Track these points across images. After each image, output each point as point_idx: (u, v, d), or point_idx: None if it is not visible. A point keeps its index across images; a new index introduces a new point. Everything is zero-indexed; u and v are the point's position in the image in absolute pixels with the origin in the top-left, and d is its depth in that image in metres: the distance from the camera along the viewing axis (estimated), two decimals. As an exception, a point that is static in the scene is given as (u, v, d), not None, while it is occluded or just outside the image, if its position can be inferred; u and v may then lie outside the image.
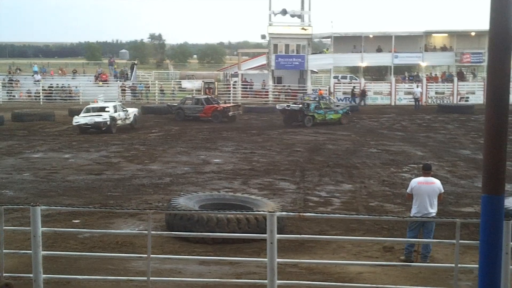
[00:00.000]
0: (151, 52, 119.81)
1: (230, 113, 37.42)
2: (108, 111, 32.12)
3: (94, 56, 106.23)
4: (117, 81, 54.37)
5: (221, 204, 13.65)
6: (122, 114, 33.03)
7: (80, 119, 31.65)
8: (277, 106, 38.78)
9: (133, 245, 11.73)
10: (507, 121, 5.22)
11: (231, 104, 40.29)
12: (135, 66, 60.49)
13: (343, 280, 9.87)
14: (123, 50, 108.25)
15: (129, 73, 56.47)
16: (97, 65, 70.67)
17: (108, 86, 53.37)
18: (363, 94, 49.50)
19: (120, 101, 40.77)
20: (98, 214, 14.38)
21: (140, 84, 55.19)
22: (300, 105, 35.86)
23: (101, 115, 31.67)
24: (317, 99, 38.00)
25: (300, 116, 35.34)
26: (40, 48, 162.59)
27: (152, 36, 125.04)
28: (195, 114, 37.70)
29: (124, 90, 52.57)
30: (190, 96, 42.95)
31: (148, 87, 54.32)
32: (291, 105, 36.67)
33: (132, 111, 34.61)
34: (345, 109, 37.92)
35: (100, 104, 34.15)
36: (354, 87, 50.78)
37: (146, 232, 8.27)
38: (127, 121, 33.51)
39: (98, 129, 31.16)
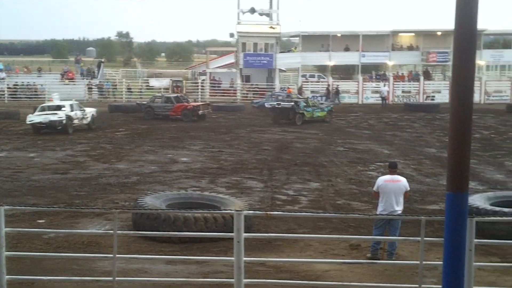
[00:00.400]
0: (119, 50, 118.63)
1: (200, 112, 37.11)
2: (64, 110, 30.63)
3: (60, 54, 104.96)
4: (83, 79, 53.85)
5: (189, 203, 13.59)
6: (79, 113, 31.53)
7: (35, 118, 30.12)
8: (266, 104, 38.71)
9: (99, 245, 11.61)
10: (471, 120, 5.28)
11: (201, 103, 39.94)
12: (102, 64, 59.88)
13: (310, 278, 9.90)
14: (90, 48, 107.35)
15: (96, 71, 55.96)
16: (64, 63, 69.91)
17: (74, 84, 52.78)
18: (337, 92, 49.72)
19: (84, 100, 40.19)
20: (64, 214, 14.19)
21: (107, 82, 54.68)
22: (292, 103, 35.97)
23: (56, 114, 30.12)
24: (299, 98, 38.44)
25: (291, 113, 35.34)
26: (5, 45, 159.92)
27: (120, 34, 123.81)
28: (165, 113, 37.32)
29: (91, 88, 52.03)
30: (159, 94, 42.65)
31: (115, 85, 53.88)
32: (282, 103, 36.66)
33: (90, 111, 32.87)
34: (329, 107, 38.60)
35: (56, 102, 32.05)
36: (328, 85, 50.91)
37: (112, 231, 8.19)
38: (84, 121, 32.03)
39: (53, 129, 29.78)
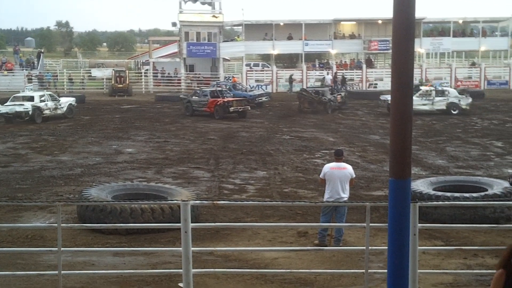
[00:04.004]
0: (59, 40, 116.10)
1: (232, 108, 32.87)
2: (32, 101, 31.51)
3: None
4: (23, 70, 52.48)
5: (135, 194, 13.49)
6: (50, 103, 32.36)
7: (2, 108, 31.22)
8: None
9: (44, 239, 11.41)
10: (411, 107, 5.39)
11: (235, 98, 35.13)
12: (41, 54, 58.51)
13: (258, 266, 9.97)
14: (29, 38, 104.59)
15: (36, 62, 54.62)
16: (1, 54, 67.96)
17: (13, 76, 51.44)
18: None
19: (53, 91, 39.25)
20: (6, 208, 13.87)
21: (48, 73, 53.49)
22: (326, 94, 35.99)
23: (22, 105, 31.06)
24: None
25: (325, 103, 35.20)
26: None
27: (59, 24, 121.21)
28: (201, 108, 33.94)
29: (31, 79, 50.72)
30: (198, 88, 39.31)
31: (56, 76, 52.70)
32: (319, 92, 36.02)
33: (67, 101, 33.91)
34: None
35: (28, 93, 33.53)
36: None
37: (56, 225, 8.05)
38: (59, 111, 32.78)
39: (20, 118, 30.62)
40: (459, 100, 34.10)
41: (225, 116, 32.41)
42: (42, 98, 32.16)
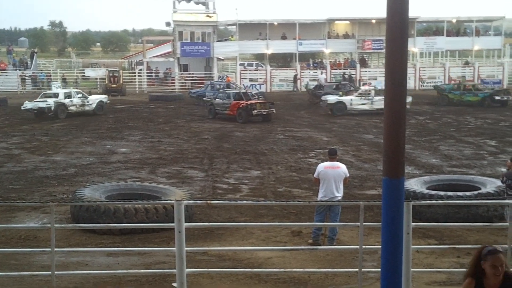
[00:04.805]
0: (52, 40, 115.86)
1: (255, 112, 31.08)
2: (57, 98, 33.11)
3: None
4: (16, 70, 52.31)
5: (129, 194, 13.46)
6: (76, 100, 33.79)
7: (28, 104, 32.77)
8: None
9: (37, 239, 11.38)
10: (405, 106, 5.39)
11: (259, 101, 33.35)
12: (35, 54, 58.33)
13: (252, 266, 9.97)
14: (22, 38, 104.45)
15: (29, 62, 54.47)
16: (-5, 54, 67.79)
17: (7, 76, 51.29)
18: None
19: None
20: (-1, 209, 13.84)
21: (41, 73, 53.31)
22: None
23: (45, 101, 32.60)
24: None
25: None
26: None
27: (53, 24, 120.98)
28: (224, 111, 32.29)
29: (24, 79, 50.60)
30: (221, 89, 37.24)
31: (50, 76, 52.54)
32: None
33: (96, 98, 35.33)
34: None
35: (54, 90, 35.32)
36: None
37: (49, 225, 8.03)
38: (87, 108, 34.17)
39: (44, 114, 32.01)
40: None
41: (249, 120, 30.92)
42: (68, 95, 33.66)
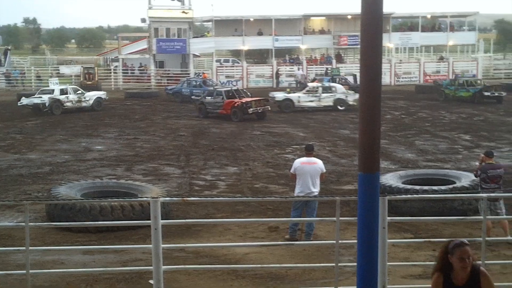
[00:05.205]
0: (26, 37, 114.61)
1: (251, 110, 30.30)
2: (51, 94, 33.43)
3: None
4: (-11, 67, 51.74)
5: (105, 191, 13.39)
6: (72, 96, 34.06)
7: (24, 100, 33.48)
8: None
9: (12, 238, 11.26)
10: (379, 102, 5.41)
11: (253, 98, 32.01)
12: (8, 51, 57.69)
13: (230, 262, 9.97)
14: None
15: (3, 59, 53.92)
16: (-33, 51, 66.81)
17: (-20, 73, 50.66)
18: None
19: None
20: (-27, 208, 13.67)
21: (15, 70, 52.74)
22: None
23: (40, 97, 33.08)
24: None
25: None
26: None
27: (27, 21, 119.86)
28: (216, 110, 31.36)
29: (-2, 76, 50.06)
30: (211, 88, 36.17)
31: (24, 73, 51.97)
32: None
33: (93, 94, 35.63)
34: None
35: (51, 86, 35.11)
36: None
37: (23, 224, 7.94)
38: (84, 104, 34.41)
39: (39, 110, 32.51)
40: (346, 96, 34.17)
41: (244, 119, 30.15)
42: (63, 91, 33.89)
